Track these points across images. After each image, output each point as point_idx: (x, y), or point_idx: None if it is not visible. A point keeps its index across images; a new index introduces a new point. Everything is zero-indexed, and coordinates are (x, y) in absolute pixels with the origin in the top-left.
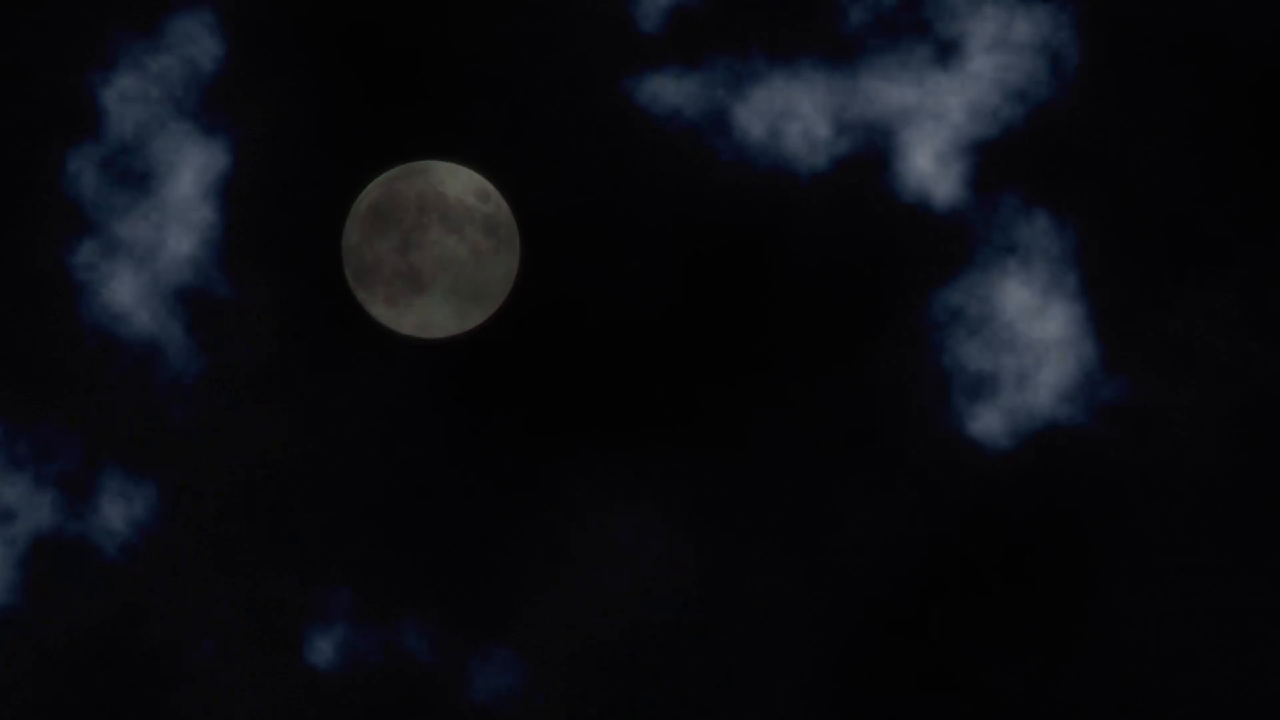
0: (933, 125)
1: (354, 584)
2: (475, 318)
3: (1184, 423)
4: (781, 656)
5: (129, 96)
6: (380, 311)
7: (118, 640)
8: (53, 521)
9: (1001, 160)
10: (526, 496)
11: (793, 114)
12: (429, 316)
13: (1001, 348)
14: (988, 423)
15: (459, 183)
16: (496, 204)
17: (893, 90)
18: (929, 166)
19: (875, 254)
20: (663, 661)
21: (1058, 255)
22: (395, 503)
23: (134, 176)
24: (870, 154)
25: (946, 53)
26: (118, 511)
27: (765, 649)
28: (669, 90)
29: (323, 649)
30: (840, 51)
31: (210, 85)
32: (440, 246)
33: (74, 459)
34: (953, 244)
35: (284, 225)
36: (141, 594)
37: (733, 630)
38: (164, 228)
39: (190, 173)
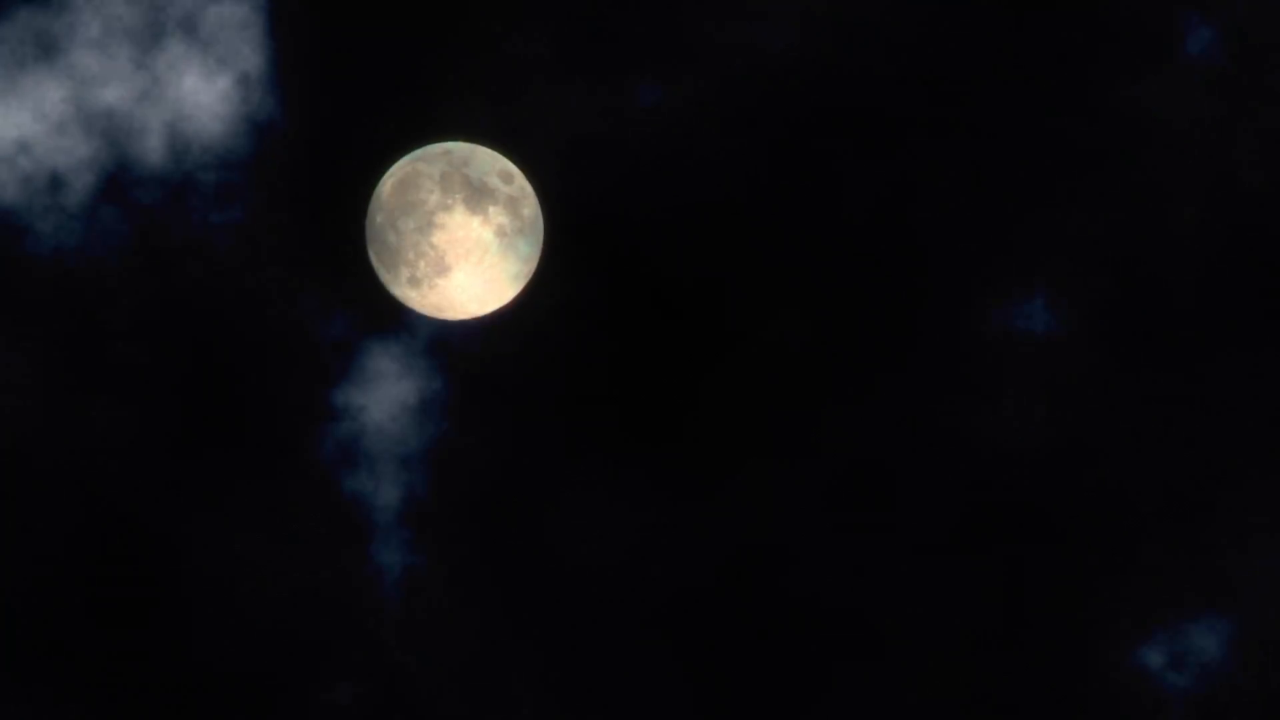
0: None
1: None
2: (499, 299)
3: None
4: (784, 652)
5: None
6: (403, 293)
7: None
8: None
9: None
10: (539, 487)
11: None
12: (452, 297)
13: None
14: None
15: (483, 164)
16: (520, 185)
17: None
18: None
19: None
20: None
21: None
22: (405, 491)
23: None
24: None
25: None
26: None
27: (770, 645)
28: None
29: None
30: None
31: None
32: (464, 228)
33: None
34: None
35: (308, 206)
36: None
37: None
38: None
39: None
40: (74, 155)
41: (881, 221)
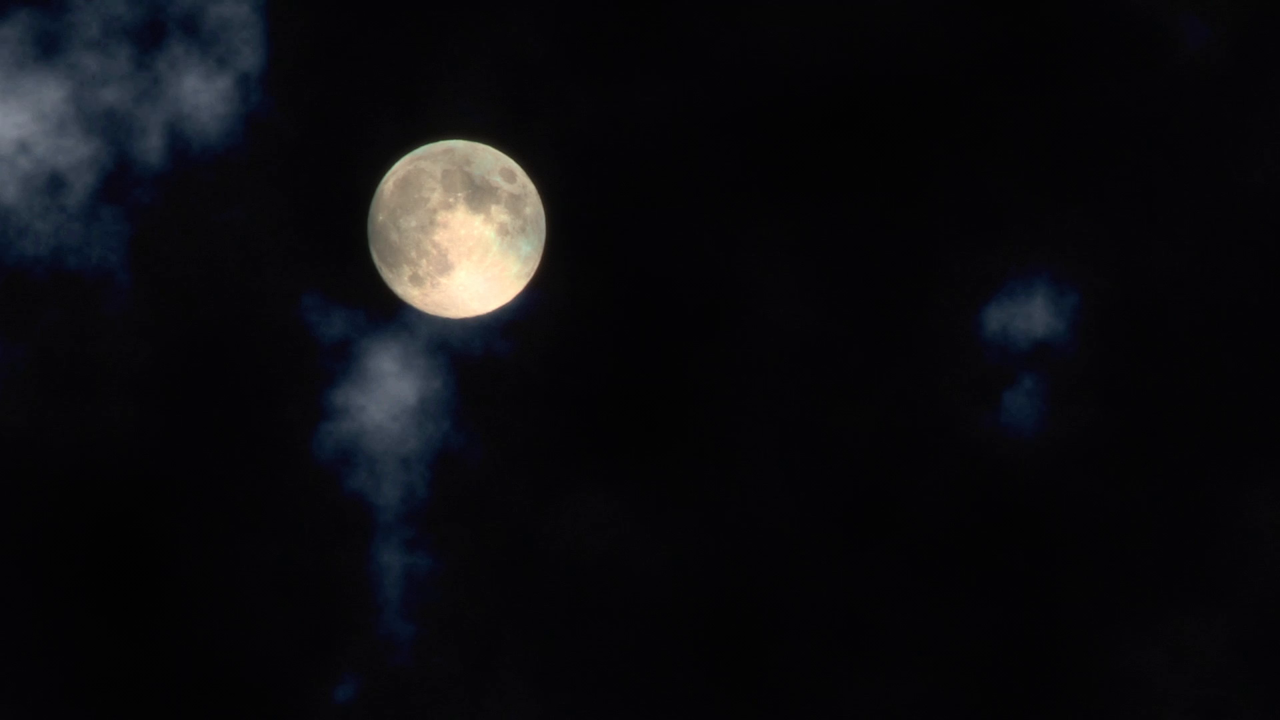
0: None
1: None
2: (501, 298)
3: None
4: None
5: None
6: (406, 291)
7: None
8: None
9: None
10: (539, 487)
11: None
12: (454, 296)
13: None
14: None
15: (485, 162)
16: (522, 184)
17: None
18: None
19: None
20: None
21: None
22: (405, 491)
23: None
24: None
25: None
26: None
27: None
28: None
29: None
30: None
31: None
32: (466, 226)
33: None
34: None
35: (308, 206)
36: None
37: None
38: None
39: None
40: (74, 155)
41: (882, 221)
